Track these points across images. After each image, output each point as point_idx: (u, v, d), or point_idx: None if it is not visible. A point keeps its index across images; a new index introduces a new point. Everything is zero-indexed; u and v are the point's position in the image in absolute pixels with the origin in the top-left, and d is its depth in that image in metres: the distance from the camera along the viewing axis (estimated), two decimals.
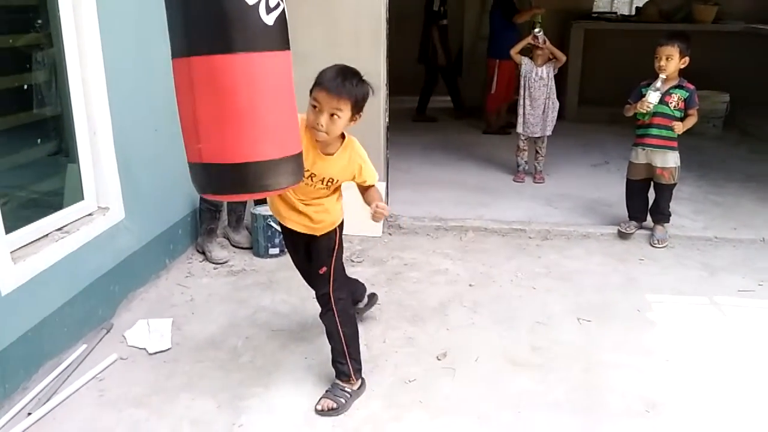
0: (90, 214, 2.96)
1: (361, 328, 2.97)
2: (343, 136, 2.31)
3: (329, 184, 2.35)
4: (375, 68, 3.98)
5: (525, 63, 5.08)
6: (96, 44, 2.85)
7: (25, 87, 2.81)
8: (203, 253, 3.78)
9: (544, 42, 4.99)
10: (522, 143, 5.27)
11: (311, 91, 2.16)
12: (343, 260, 3.70)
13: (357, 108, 2.19)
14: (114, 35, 2.94)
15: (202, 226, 3.79)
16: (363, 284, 3.01)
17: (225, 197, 2.39)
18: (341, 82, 2.11)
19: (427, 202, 4.62)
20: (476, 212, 4.45)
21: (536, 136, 5.19)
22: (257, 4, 1.69)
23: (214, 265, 3.67)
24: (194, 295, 3.32)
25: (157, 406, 2.44)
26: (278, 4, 1.75)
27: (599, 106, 7.03)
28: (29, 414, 2.32)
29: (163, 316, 3.08)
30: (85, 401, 2.46)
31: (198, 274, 3.57)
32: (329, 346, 2.51)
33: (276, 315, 3.11)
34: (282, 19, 1.78)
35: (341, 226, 2.51)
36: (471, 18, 8.11)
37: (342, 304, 2.48)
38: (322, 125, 2.14)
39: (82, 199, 2.95)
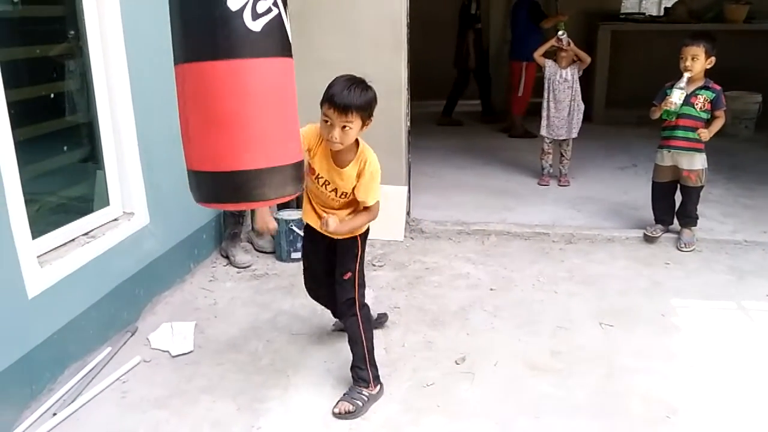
0: (115, 220, 3.03)
1: (380, 332, 3.00)
2: (357, 144, 2.34)
3: (343, 196, 2.39)
4: (395, 73, 4.01)
5: (549, 65, 5.05)
6: (120, 52, 2.92)
7: (53, 96, 2.89)
8: (227, 257, 3.83)
9: (569, 44, 4.95)
10: (546, 146, 5.23)
11: (321, 105, 2.21)
12: (365, 264, 3.76)
13: (366, 115, 2.24)
14: (137, 43, 3.01)
15: (226, 231, 3.85)
16: None
17: (213, 206, 2.14)
18: (347, 96, 2.16)
19: (450, 206, 4.61)
20: (499, 216, 4.43)
21: (561, 138, 5.14)
22: (241, 10, 1.69)
23: (237, 269, 3.72)
24: (217, 299, 3.37)
25: (178, 407, 2.48)
26: (269, 10, 1.74)
27: (627, 108, 6.94)
28: (54, 414, 2.38)
29: (186, 319, 3.13)
30: (109, 402, 2.51)
31: (222, 278, 3.62)
32: (347, 350, 2.53)
33: (296, 318, 3.14)
34: (273, 25, 1.76)
35: (364, 234, 2.53)
36: (497, 22, 8.08)
37: (365, 311, 2.53)
38: (336, 138, 2.20)
39: (108, 204, 3.01)
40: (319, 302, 2.83)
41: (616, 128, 6.98)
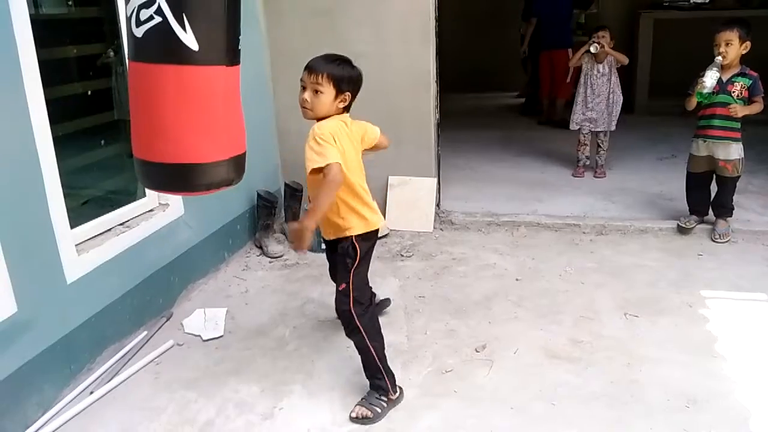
0: (151, 210, 3.17)
1: (403, 319, 3.07)
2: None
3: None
4: (424, 66, 4.06)
5: (585, 60, 5.00)
6: None
7: (91, 93, 3.05)
8: (260, 247, 3.95)
9: (602, 47, 4.87)
10: (583, 137, 5.18)
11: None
12: (392, 255, 3.83)
13: (340, 87, 2.26)
14: None
15: (260, 222, 3.97)
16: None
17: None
18: (320, 60, 2.25)
19: (481, 198, 4.63)
20: (530, 208, 4.42)
21: (598, 130, 5.09)
22: (130, 17, 1.85)
23: (269, 259, 3.84)
24: (249, 287, 3.49)
25: (206, 388, 2.60)
26: (151, 18, 1.80)
27: (670, 98, 6.75)
28: (92, 392, 2.54)
29: (219, 305, 3.26)
30: (143, 382, 2.65)
31: (254, 267, 3.75)
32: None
33: (323, 307, 3.23)
34: (153, 33, 1.81)
35: (359, 237, 2.38)
36: None
37: (365, 319, 2.39)
38: (307, 101, 2.25)
39: (144, 196, 3.16)
40: None
41: (659, 118, 6.84)
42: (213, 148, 1.95)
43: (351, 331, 2.40)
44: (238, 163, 2.06)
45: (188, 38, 1.79)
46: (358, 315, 2.36)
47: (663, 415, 2.36)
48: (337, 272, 2.45)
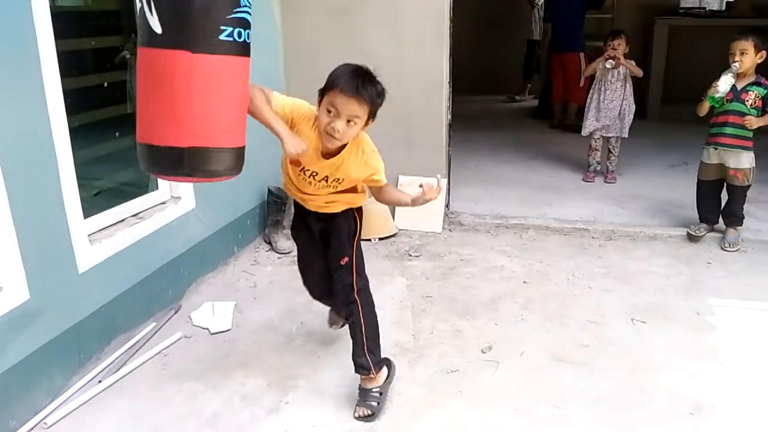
0: (163, 203, 3.19)
1: (410, 318, 3.08)
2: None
3: (336, 183, 2.23)
4: (438, 67, 4.07)
5: (600, 67, 4.99)
6: None
7: (107, 84, 3.08)
8: (270, 243, 3.98)
9: (618, 60, 4.87)
10: (595, 142, 5.18)
11: (323, 93, 2.05)
12: (401, 255, 3.84)
13: (373, 113, 2.09)
14: None
15: (269, 218, 4.00)
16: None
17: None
18: (361, 85, 2.00)
19: (491, 200, 4.64)
20: (540, 211, 4.42)
21: (609, 135, 5.09)
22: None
23: (278, 255, 3.86)
24: (257, 282, 3.52)
25: (213, 380, 2.62)
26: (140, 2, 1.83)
27: (684, 105, 6.73)
28: (100, 381, 2.56)
29: (227, 299, 3.28)
30: (150, 373, 2.68)
31: (263, 262, 3.77)
32: None
33: None
34: (140, 17, 1.85)
35: (360, 210, 2.39)
36: None
37: (364, 296, 2.39)
38: (338, 131, 2.02)
39: (157, 188, 3.19)
40: (322, 300, 2.72)
41: (672, 125, 6.82)
42: (167, 134, 1.89)
43: (347, 306, 2.40)
44: (195, 155, 1.90)
45: (154, 21, 1.81)
46: (359, 290, 2.36)
47: (667, 421, 2.36)
48: (340, 245, 2.36)
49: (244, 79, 1.94)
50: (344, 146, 2.16)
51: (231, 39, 1.85)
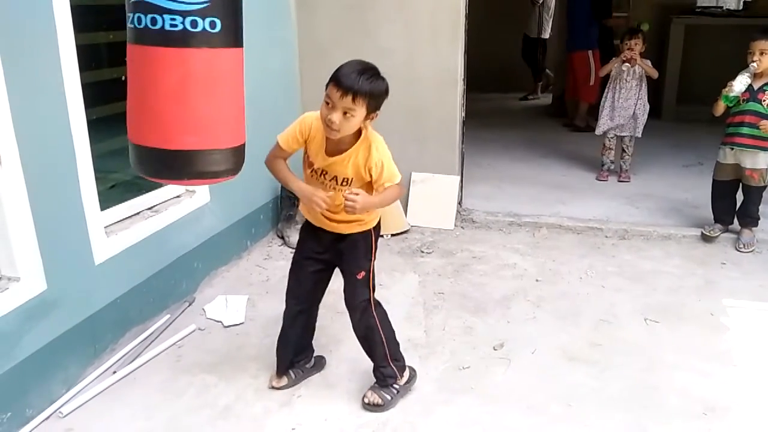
0: (178, 196, 3.22)
1: (422, 315, 3.09)
2: (359, 134, 2.18)
3: (345, 183, 2.21)
4: (452, 64, 4.06)
5: (616, 65, 4.96)
6: None
7: (124, 78, 3.09)
8: (282, 237, 3.99)
9: (635, 62, 4.84)
10: (608, 141, 5.15)
11: (326, 86, 2.08)
12: (413, 251, 3.85)
13: (373, 106, 2.09)
14: None
15: (282, 213, 4.02)
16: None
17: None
18: (355, 79, 2.02)
19: (503, 198, 4.63)
20: (553, 209, 4.41)
21: (623, 135, 5.06)
22: None
23: (291, 249, 3.86)
24: (270, 276, 3.53)
25: (226, 373, 2.64)
26: None
27: (699, 105, 6.68)
28: (114, 372, 2.59)
29: (240, 293, 3.31)
30: (164, 365, 2.70)
31: (276, 257, 3.78)
32: None
33: (342, 298, 3.22)
34: None
35: (377, 228, 2.37)
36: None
37: (380, 309, 2.40)
38: (335, 123, 2.04)
39: None
40: (287, 332, 2.52)
41: (687, 125, 6.75)
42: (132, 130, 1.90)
43: (364, 321, 2.37)
44: (141, 155, 1.90)
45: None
46: (375, 305, 2.37)
47: (680, 421, 2.35)
48: (356, 259, 2.33)
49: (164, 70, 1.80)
50: (354, 144, 2.17)
51: (133, 26, 1.76)
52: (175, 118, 1.82)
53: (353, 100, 2.02)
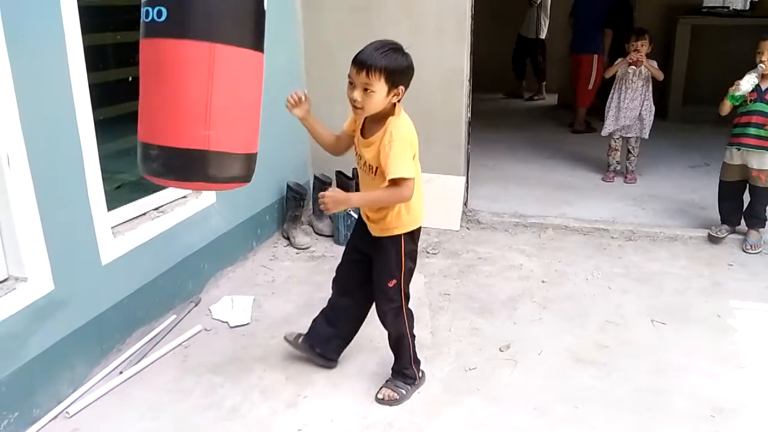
0: (184, 197, 3.22)
1: (428, 316, 3.08)
2: (389, 114, 2.15)
3: (370, 171, 2.22)
4: (458, 64, 4.06)
5: (622, 66, 4.94)
6: None
7: (131, 79, 3.10)
8: (288, 238, 3.99)
9: (641, 63, 4.82)
10: (614, 142, 5.14)
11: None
12: (418, 252, 3.83)
13: (393, 81, 2.05)
14: None
15: (288, 213, 4.02)
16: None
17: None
18: (370, 53, 2.02)
19: (509, 198, 4.62)
20: (559, 210, 4.40)
21: (629, 136, 5.04)
22: None
23: (296, 250, 3.88)
24: (276, 277, 3.53)
25: (232, 373, 2.64)
26: None
27: (705, 105, 6.68)
28: (121, 372, 2.59)
29: (246, 293, 3.31)
30: (170, 365, 2.70)
31: (281, 258, 3.79)
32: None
33: None
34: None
35: (409, 234, 2.31)
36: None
37: (410, 315, 2.43)
38: (357, 100, 2.07)
39: None
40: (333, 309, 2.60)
41: (693, 126, 6.75)
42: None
43: (394, 323, 2.40)
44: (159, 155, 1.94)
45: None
46: (407, 314, 2.41)
47: (688, 423, 2.34)
48: (386, 266, 2.31)
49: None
50: (381, 127, 2.16)
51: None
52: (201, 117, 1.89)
53: (368, 74, 2.02)
